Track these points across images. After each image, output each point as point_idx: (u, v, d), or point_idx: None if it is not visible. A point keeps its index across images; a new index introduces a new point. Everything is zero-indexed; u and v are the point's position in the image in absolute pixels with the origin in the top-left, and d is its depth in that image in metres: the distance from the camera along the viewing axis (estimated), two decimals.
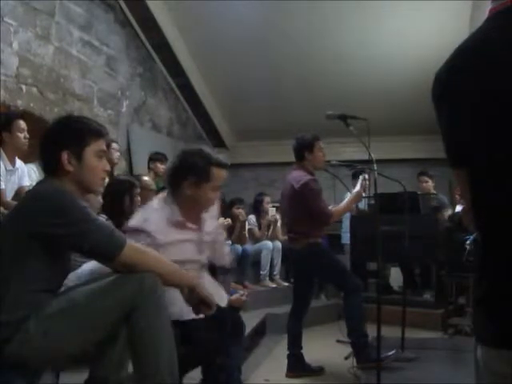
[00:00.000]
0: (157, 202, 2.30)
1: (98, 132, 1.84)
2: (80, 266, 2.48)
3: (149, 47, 6.65)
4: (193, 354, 2.17)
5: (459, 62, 1.03)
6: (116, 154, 4.72)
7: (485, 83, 0.97)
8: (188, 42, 6.73)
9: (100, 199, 2.91)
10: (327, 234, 4.95)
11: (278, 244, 5.68)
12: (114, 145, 4.72)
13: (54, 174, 1.77)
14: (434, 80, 1.07)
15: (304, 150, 3.56)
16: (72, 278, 2.18)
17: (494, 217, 0.99)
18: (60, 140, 1.78)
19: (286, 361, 3.56)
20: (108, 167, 1.89)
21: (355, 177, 5.60)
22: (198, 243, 2.30)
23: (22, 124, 3.43)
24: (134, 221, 2.18)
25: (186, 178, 2.21)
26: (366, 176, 4.01)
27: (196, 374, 2.82)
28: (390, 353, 3.34)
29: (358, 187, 3.58)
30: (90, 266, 2.34)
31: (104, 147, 1.87)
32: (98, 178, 1.84)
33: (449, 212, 5.38)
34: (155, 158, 5.43)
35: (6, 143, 3.36)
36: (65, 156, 1.75)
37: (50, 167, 1.79)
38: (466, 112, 1.00)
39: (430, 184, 5.86)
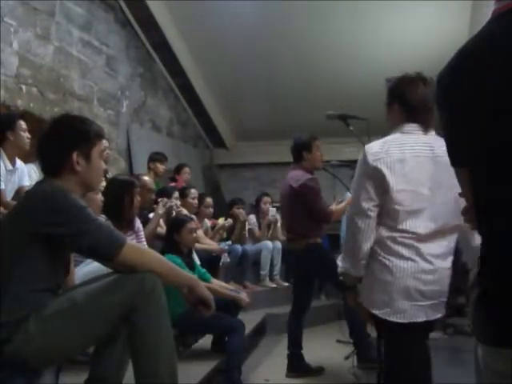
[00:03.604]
0: None
1: (100, 132, 1.87)
2: (79, 264, 2.49)
3: (149, 47, 6.65)
4: None
5: (461, 64, 1.03)
6: (106, 151, 4.68)
7: (486, 85, 0.97)
8: (188, 41, 6.73)
9: (101, 197, 2.92)
10: (327, 234, 4.95)
11: (278, 244, 5.68)
12: (105, 142, 4.69)
13: (57, 174, 1.77)
14: (436, 81, 1.07)
15: (302, 149, 3.57)
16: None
17: (495, 216, 1.00)
18: (69, 141, 1.78)
19: (285, 361, 3.56)
20: (105, 166, 1.92)
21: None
22: None
23: (24, 124, 3.43)
24: None
25: None
26: None
27: (197, 374, 2.83)
28: None
29: None
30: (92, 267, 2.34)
31: (104, 147, 1.89)
32: (100, 177, 1.90)
33: None
34: (155, 158, 5.43)
35: (8, 143, 3.35)
36: (74, 157, 1.76)
37: (54, 167, 1.79)
38: (467, 113, 1.00)
39: None
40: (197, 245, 3.93)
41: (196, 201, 4.87)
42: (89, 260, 2.45)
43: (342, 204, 3.65)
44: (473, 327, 1.07)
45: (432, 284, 1.92)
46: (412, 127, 1.99)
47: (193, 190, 4.88)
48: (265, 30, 6.32)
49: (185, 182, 5.66)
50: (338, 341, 4.21)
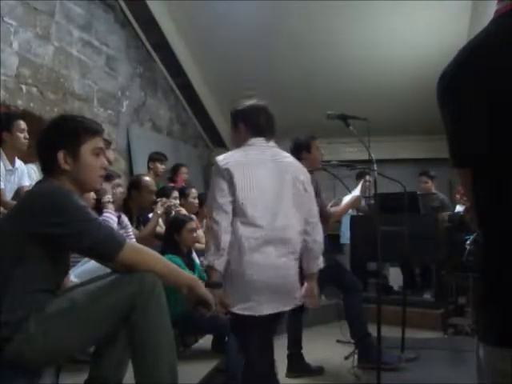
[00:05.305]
0: None
1: (93, 129, 1.84)
2: (75, 265, 2.49)
3: (149, 47, 6.65)
4: None
5: (463, 63, 1.04)
6: (112, 155, 4.68)
7: (487, 84, 0.97)
8: (188, 42, 6.73)
9: (93, 195, 2.93)
10: (327, 235, 4.93)
11: None
12: (110, 144, 4.70)
13: (52, 174, 1.78)
14: (438, 80, 1.08)
15: (302, 150, 3.56)
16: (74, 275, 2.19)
17: (496, 216, 1.00)
18: (55, 140, 1.78)
19: (286, 361, 3.56)
20: (106, 164, 1.89)
21: (359, 177, 5.59)
22: None
23: (22, 124, 3.42)
24: None
25: None
26: (368, 177, 3.96)
27: (197, 374, 2.83)
28: (393, 359, 3.37)
29: (357, 191, 3.58)
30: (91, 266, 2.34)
31: (101, 144, 1.86)
32: (95, 176, 1.84)
33: (448, 212, 5.37)
34: (155, 157, 5.43)
35: (6, 143, 3.36)
36: (61, 155, 1.75)
37: (48, 167, 1.80)
38: (469, 112, 1.00)
39: (429, 185, 5.86)
40: (196, 245, 3.92)
41: (196, 200, 4.87)
42: (85, 259, 2.45)
43: (342, 205, 3.65)
44: (475, 327, 1.07)
45: (276, 279, 2.19)
46: (256, 140, 2.33)
47: (193, 190, 4.88)
48: (265, 30, 6.32)
49: (183, 182, 5.66)
50: (338, 341, 4.20)
